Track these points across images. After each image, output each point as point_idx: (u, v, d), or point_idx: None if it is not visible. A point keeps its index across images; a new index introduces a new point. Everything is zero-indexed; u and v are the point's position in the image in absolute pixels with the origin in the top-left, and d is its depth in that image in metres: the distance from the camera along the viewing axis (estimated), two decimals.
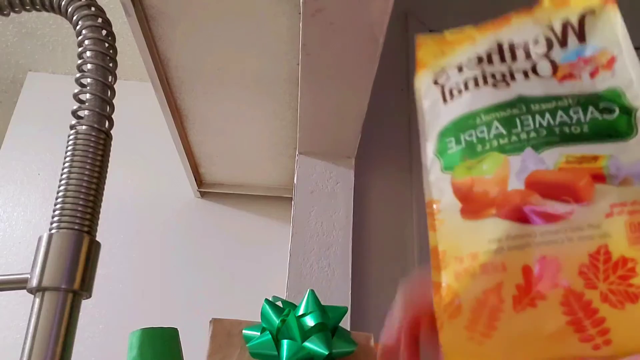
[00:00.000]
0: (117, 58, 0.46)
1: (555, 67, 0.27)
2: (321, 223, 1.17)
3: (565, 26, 0.28)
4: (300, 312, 0.71)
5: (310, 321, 0.70)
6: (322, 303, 0.73)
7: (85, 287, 0.39)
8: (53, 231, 0.39)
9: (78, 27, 0.45)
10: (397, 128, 1.35)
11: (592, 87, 0.26)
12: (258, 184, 1.54)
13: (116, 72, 0.46)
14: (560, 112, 0.26)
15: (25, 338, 0.36)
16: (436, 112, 0.29)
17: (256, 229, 1.57)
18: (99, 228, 0.42)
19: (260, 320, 0.74)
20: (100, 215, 0.42)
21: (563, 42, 0.28)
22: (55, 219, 0.39)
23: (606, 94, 0.26)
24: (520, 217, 0.24)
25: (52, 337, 0.36)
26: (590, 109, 0.25)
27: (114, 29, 0.47)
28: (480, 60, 0.29)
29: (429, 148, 0.28)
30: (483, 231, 0.24)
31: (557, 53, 0.28)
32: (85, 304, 0.40)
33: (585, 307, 0.22)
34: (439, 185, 0.27)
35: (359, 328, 1.09)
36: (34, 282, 0.37)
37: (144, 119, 1.62)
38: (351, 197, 1.20)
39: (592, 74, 0.26)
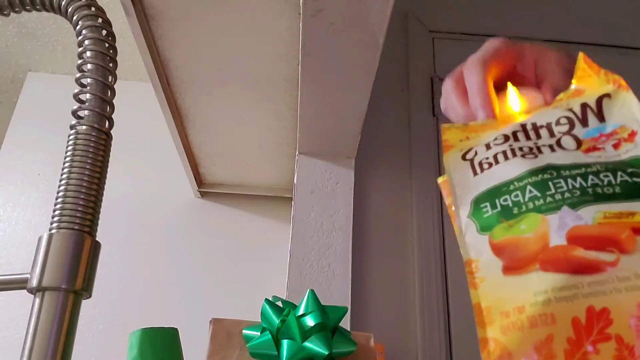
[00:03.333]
0: (117, 58, 0.46)
1: (578, 142, 0.29)
2: (321, 223, 1.17)
3: (584, 108, 0.30)
4: (300, 312, 0.71)
5: (310, 321, 0.70)
6: (322, 303, 0.73)
7: (85, 287, 0.39)
8: (53, 231, 0.39)
9: (78, 27, 0.45)
10: (397, 128, 1.35)
11: (617, 156, 0.27)
12: (258, 184, 1.54)
13: (116, 72, 0.46)
14: (590, 176, 0.26)
15: (25, 338, 0.36)
16: (467, 183, 0.30)
17: (256, 229, 1.57)
18: (99, 228, 0.42)
19: (260, 320, 0.74)
20: (100, 215, 0.42)
21: (584, 122, 0.29)
22: (55, 219, 0.40)
23: (632, 162, 0.27)
24: (566, 268, 0.24)
25: (52, 337, 0.36)
26: (619, 173, 0.26)
27: (114, 29, 0.47)
28: (506, 138, 0.31)
29: (462, 213, 0.29)
30: (528, 285, 0.24)
31: (579, 131, 0.29)
32: (85, 304, 0.40)
33: None
34: (476, 246, 0.27)
35: (359, 328, 1.09)
36: (34, 282, 0.37)
37: (144, 119, 1.62)
38: (351, 197, 1.20)
39: (615, 146, 0.28)
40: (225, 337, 0.75)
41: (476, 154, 0.31)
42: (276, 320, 0.71)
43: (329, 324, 0.71)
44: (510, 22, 1.51)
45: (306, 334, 0.69)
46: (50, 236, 0.39)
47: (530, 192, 0.27)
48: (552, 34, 1.49)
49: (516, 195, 0.27)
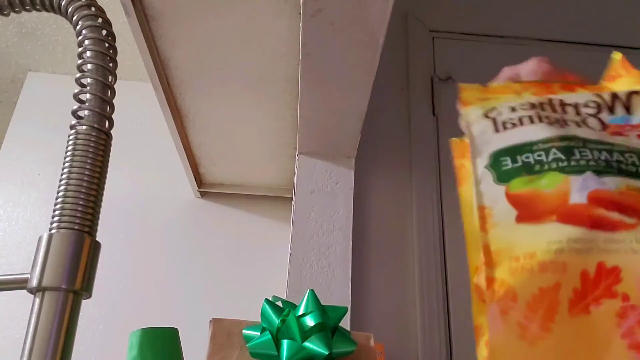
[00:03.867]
0: (117, 58, 0.46)
1: (604, 125, 0.29)
2: (321, 223, 1.17)
3: (614, 97, 0.30)
4: (300, 312, 0.71)
5: (310, 321, 0.70)
6: (322, 303, 0.73)
7: (85, 287, 0.39)
8: (53, 231, 0.39)
9: (78, 27, 0.45)
10: (397, 128, 1.35)
11: None
12: (258, 184, 1.54)
13: (116, 72, 0.46)
14: (616, 153, 0.27)
15: (25, 338, 0.36)
16: (487, 138, 0.30)
17: (256, 229, 1.57)
18: (99, 228, 0.42)
19: (260, 320, 0.74)
20: (100, 215, 0.42)
21: (611, 109, 0.30)
22: (55, 219, 0.40)
23: None
24: (585, 222, 0.24)
25: (52, 337, 0.36)
26: None
27: (114, 29, 0.47)
28: (533, 106, 0.31)
29: (480, 163, 0.29)
30: (542, 234, 0.24)
31: (605, 116, 0.30)
32: (85, 304, 0.40)
33: None
34: (491, 194, 0.28)
35: (359, 328, 1.09)
36: (34, 282, 0.38)
37: (144, 119, 1.62)
38: (351, 197, 1.20)
39: (639, 136, 0.28)
40: (225, 337, 0.75)
41: (500, 113, 0.31)
42: (276, 320, 0.71)
43: (329, 324, 0.71)
44: (510, 22, 1.51)
45: (306, 334, 0.69)
46: (50, 236, 0.39)
47: (555, 154, 0.27)
48: (553, 34, 1.49)
49: (539, 155, 0.28)
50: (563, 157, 0.27)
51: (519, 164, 0.28)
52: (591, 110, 0.30)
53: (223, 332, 0.75)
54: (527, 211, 0.26)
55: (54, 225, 0.39)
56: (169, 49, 1.00)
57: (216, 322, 0.76)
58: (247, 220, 1.58)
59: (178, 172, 1.49)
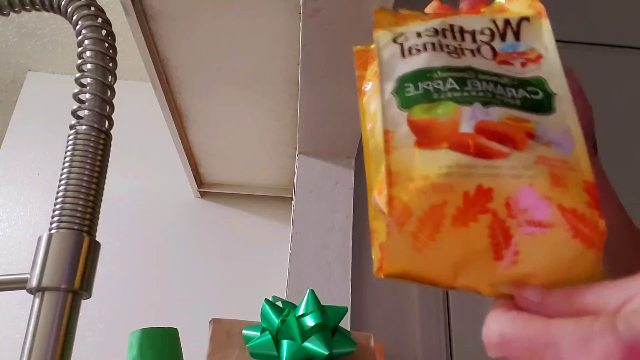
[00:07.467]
0: (117, 58, 0.46)
1: (495, 53, 0.33)
2: (321, 223, 1.17)
3: (506, 24, 0.35)
4: (300, 312, 0.71)
5: (310, 321, 0.70)
6: (322, 303, 0.73)
7: (85, 287, 0.39)
8: (53, 231, 0.39)
9: (78, 27, 0.45)
10: None
11: (523, 74, 0.32)
12: (258, 184, 1.54)
13: (116, 72, 0.46)
14: (499, 86, 0.31)
15: (25, 338, 0.37)
16: (394, 63, 0.34)
17: (256, 229, 1.57)
18: (99, 228, 0.42)
19: (260, 320, 0.74)
20: (100, 215, 0.42)
21: (503, 36, 0.34)
22: (55, 219, 0.40)
23: (533, 81, 0.32)
24: (469, 151, 0.28)
25: (52, 337, 0.36)
26: (521, 90, 0.31)
27: (114, 29, 0.47)
28: (436, 32, 0.34)
29: (387, 88, 0.33)
30: (435, 159, 0.29)
31: (497, 43, 0.34)
32: (85, 304, 0.40)
33: (505, 232, 0.27)
34: (395, 119, 0.31)
35: (359, 328, 1.09)
36: (34, 282, 0.38)
37: (144, 119, 1.62)
38: (351, 197, 1.20)
39: (523, 64, 0.33)
40: (225, 337, 0.75)
41: (407, 39, 0.35)
42: (276, 321, 0.71)
43: (329, 324, 0.71)
44: None
45: (306, 334, 0.69)
46: (50, 236, 0.39)
47: (451, 84, 0.31)
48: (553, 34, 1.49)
49: (437, 84, 0.31)
50: (457, 87, 0.31)
51: (420, 91, 0.32)
52: (486, 38, 0.34)
53: (223, 332, 0.75)
54: (424, 137, 0.30)
55: (54, 225, 0.39)
56: (169, 49, 1.00)
57: (216, 322, 0.76)
58: (247, 220, 1.58)
59: (178, 172, 1.49)
